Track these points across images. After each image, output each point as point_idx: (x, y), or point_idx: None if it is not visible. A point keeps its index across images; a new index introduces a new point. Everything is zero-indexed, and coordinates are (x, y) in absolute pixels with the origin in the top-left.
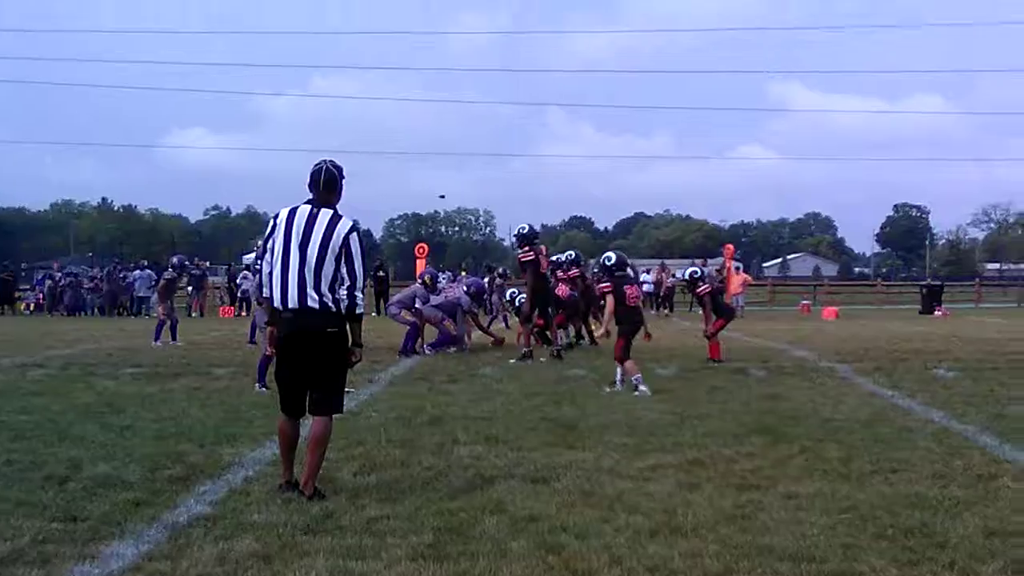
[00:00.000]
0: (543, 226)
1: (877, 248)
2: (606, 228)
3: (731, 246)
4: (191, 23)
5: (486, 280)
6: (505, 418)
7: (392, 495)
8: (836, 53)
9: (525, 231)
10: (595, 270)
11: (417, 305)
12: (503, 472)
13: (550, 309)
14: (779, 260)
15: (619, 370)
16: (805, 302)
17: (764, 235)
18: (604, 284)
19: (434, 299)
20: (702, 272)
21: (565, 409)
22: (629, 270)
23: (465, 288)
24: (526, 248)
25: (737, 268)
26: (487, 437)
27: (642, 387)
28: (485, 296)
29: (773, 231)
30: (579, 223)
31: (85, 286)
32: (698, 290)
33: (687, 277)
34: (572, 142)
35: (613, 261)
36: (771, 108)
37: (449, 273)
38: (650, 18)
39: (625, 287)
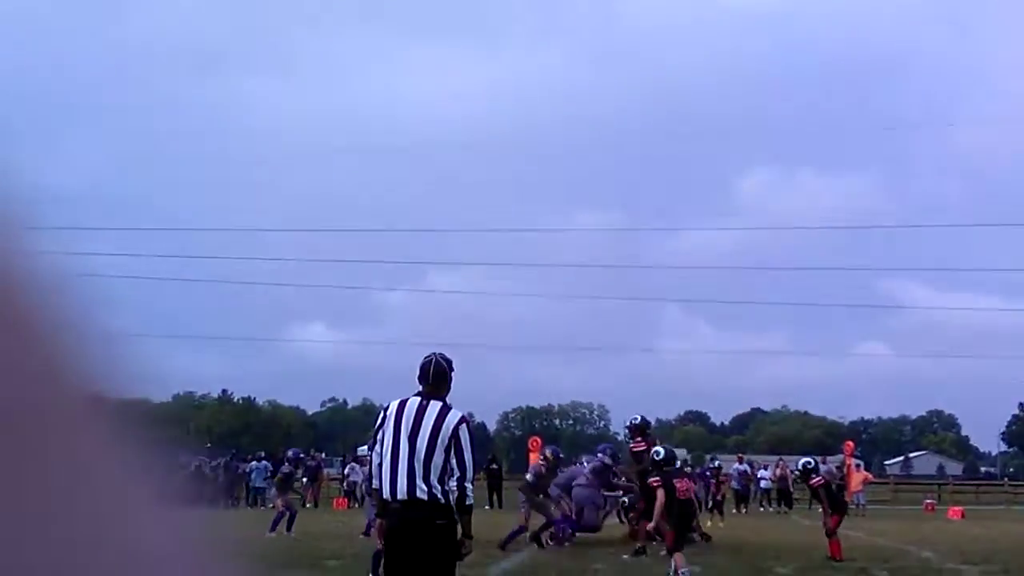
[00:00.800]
0: (658, 420)
1: (1003, 447)
2: (722, 423)
3: (851, 443)
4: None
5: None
6: None
7: None
8: (951, 248)
9: (637, 421)
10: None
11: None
12: None
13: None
14: (901, 458)
15: (672, 562)
16: (929, 501)
17: (885, 432)
18: (654, 479)
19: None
20: (815, 463)
21: None
22: (678, 463)
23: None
24: (638, 439)
25: (857, 465)
26: None
27: None
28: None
29: (894, 428)
30: (695, 417)
31: (206, 476)
32: (811, 481)
33: (800, 468)
34: (685, 337)
35: (662, 456)
36: (887, 305)
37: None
38: (762, 215)
39: (675, 480)
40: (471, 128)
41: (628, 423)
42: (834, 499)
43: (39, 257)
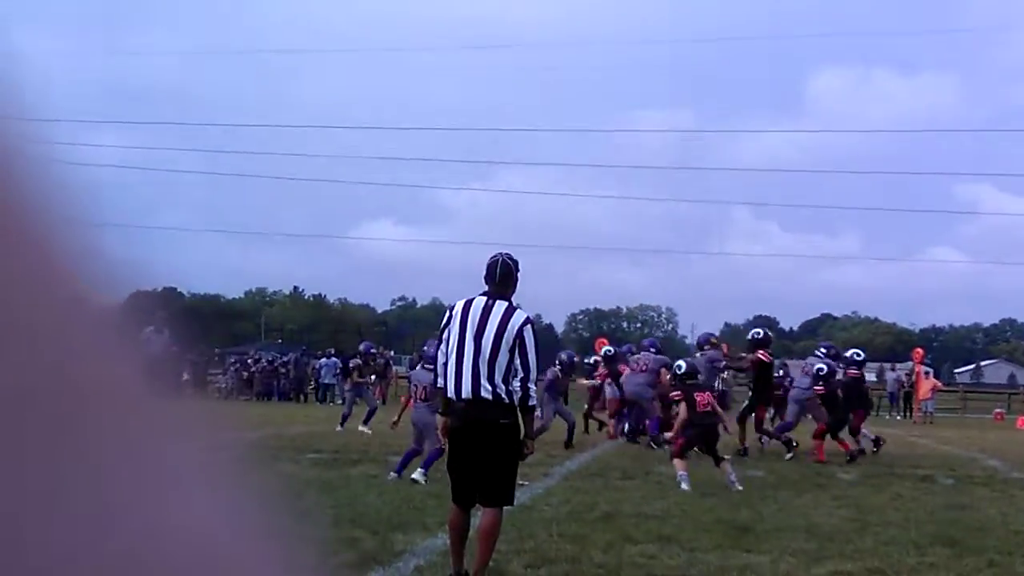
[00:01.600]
0: (726, 324)
1: None
2: (791, 328)
3: (921, 350)
4: (371, 118)
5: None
6: (679, 517)
7: None
8: None
9: (760, 336)
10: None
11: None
12: (675, 573)
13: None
14: (972, 366)
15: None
16: (999, 410)
17: (956, 340)
18: (675, 392)
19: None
20: (828, 368)
21: (741, 511)
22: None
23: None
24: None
25: (927, 373)
26: (660, 536)
27: (684, 485)
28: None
29: (966, 336)
30: (763, 322)
31: (279, 371)
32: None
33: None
34: (756, 240)
35: (684, 370)
36: (963, 211)
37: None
38: (836, 117)
39: (696, 394)
40: (541, 28)
41: (751, 336)
42: (833, 403)
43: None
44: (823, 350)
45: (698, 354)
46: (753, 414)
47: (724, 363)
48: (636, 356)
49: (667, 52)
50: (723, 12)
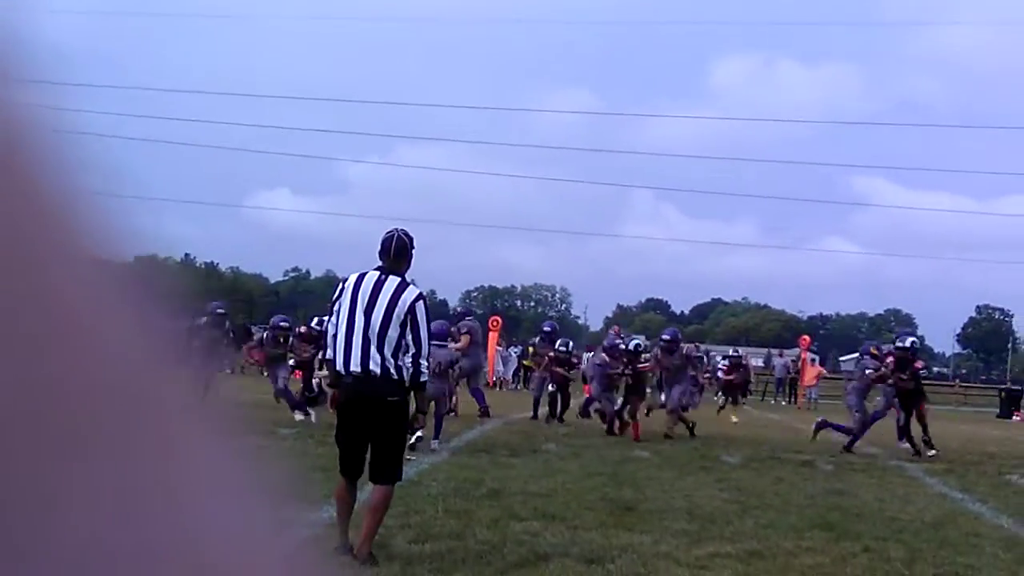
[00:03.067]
0: (619, 306)
1: (958, 348)
2: (682, 312)
3: (807, 337)
4: (273, 88)
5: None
6: (564, 496)
7: (444, 566)
8: (924, 148)
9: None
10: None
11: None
12: (558, 550)
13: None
14: (856, 355)
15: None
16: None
17: (843, 328)
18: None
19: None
20: (645, 346)
21: (625, 491)
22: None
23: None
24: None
25: (813, 360)
26: (544, 514)
27: None
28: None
29: (852, 324)
30: (655, 305)
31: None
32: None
33: (631, 348)
34: (652, 224)
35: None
36: (856, 202)
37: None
38: (739, 105)
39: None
40: (451, 4)
41: (910, 344)
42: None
43: (35, 110)
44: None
45: (858, 361)
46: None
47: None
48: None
49: (575, 33)
50: None
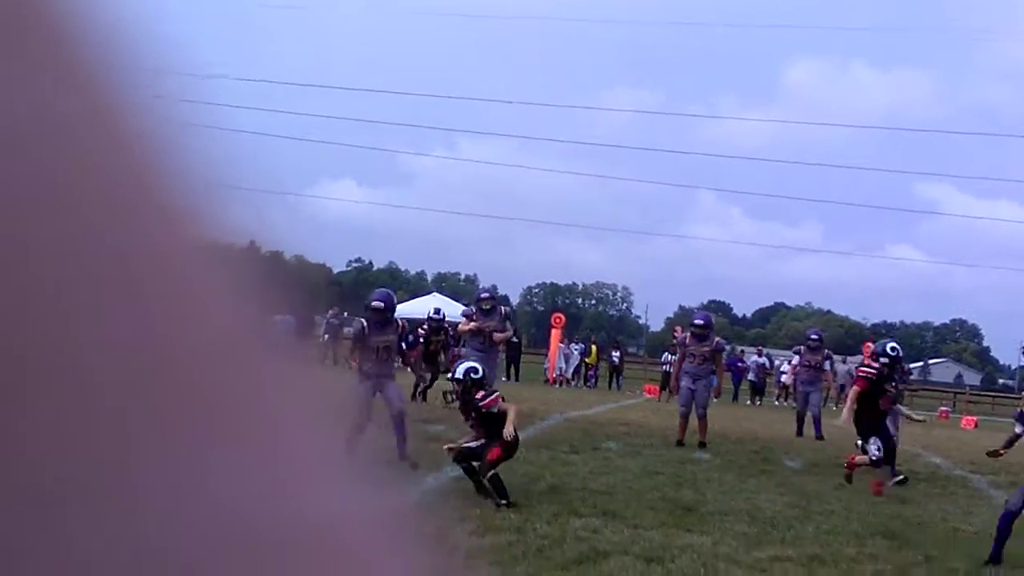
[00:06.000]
0: (680, 307)
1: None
2: (744, 315)
3: (870, 344)
4: (338, 78)
5: None
6: (624, 494)
7: (505, 559)
8: (995, 157)
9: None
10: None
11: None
12: (618, 548)
13: None
14: (920, 364)
15: None
16: (944, 408)
17: (907, 337)
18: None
19: None
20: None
21: (685, 491)
22: None
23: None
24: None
25: None
26: (604, 511)
27: None
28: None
29: (916, 333)
30: (717, 307)
31: None
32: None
33: None
34: (717, 225)
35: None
36: (923, 210)
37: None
38: (807, 107)
39: None
40: (515, 1)
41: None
42: None
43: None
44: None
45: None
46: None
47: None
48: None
49: (643, 33)
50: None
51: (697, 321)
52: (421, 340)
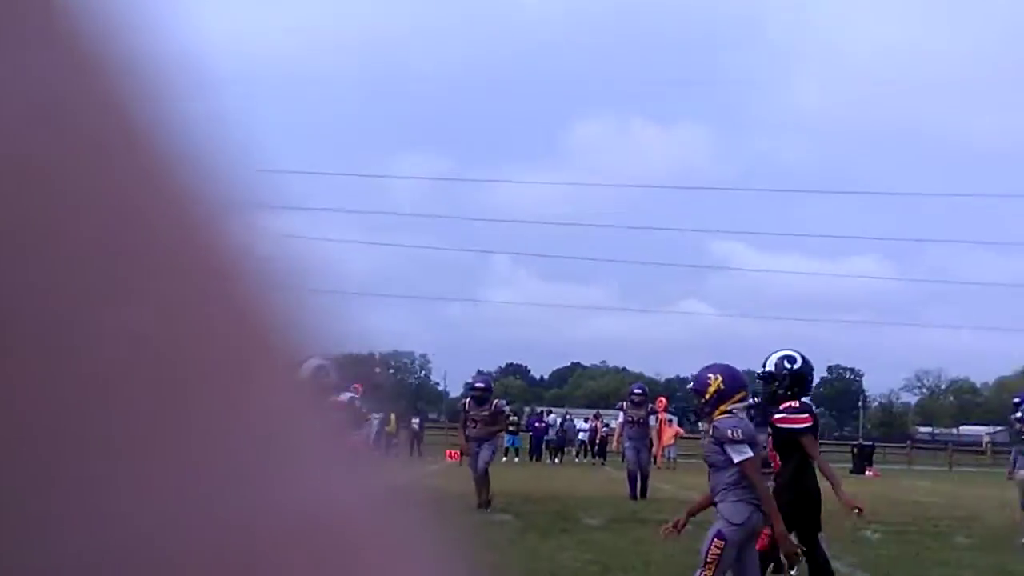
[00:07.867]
0: (479, 371)
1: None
2: (542, 376)
3: (663, 399)
4: None
5: None
6: None
7: None
8: (782, 213)
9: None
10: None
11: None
12: None
13: None
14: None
15: None
16: None
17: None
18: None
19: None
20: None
21: (487, 553)
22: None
23: None
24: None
25: (670, 420)
26: None
27: None
28: None
29: None
30: (515, 370)
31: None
32: None
33: None
34: (509, 288)
35: None
36: (712, 265)
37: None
38: (595, 171)
39: None
40: (295, 68)
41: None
42: None
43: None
44: None
45: None
46: None
47: None
48: None
49: (427, 101)
50: (484, 57)
51: (478, 385)
52: None
